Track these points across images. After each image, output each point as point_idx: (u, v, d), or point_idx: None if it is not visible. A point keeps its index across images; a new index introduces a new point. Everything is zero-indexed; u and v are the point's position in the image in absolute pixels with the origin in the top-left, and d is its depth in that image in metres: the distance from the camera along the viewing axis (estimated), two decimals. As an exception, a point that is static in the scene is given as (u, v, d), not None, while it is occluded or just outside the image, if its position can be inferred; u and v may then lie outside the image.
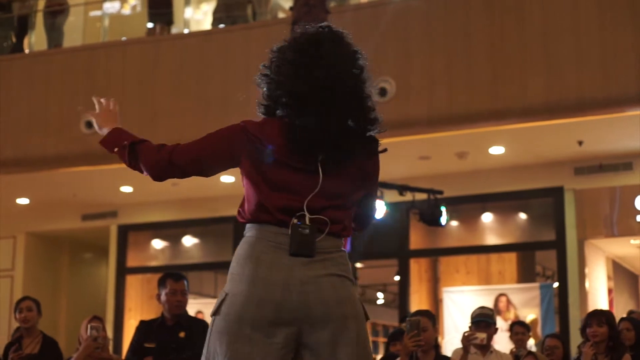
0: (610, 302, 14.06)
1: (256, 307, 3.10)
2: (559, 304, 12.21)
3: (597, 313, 6.71)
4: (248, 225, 3.25)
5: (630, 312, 10.08)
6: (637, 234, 12.61)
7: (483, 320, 7.08)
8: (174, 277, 6.59)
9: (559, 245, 12.19)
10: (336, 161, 3.23)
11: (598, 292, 13.12)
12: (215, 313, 3.19)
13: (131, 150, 3.36)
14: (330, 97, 3.22)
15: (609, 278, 14.29)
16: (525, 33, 10.60)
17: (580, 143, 11.12)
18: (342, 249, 3.26)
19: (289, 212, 3.17)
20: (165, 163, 3.29)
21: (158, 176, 3.34)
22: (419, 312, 6.56)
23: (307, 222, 3.15)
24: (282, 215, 3.17)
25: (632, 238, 13.15)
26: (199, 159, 3.29)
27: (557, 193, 12.19)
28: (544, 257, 14.03)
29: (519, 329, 9.12)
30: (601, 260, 13.76)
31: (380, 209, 9.46)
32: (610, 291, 14.26)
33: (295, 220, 3.15)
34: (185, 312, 6.56)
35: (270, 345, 3.10)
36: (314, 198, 3.19)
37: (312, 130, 3.19)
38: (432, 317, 6.44)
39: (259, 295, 3.11)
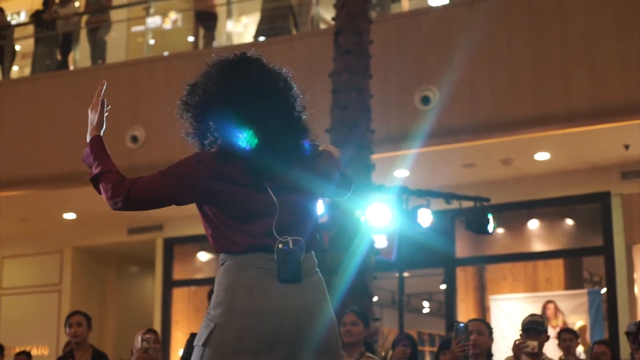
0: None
1: (253, 337, 3.06)
2: (607, 310, 12.12)
3: None
4: (227, 254, 3.20)
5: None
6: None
7: (534, 328, 7.04)
8: None
9: (607, 250, 12.09)
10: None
11: (648, 297, 12.98)
12: (204, 344, 3.11)
13: (95, 182, 3.36)
14: (266, 110, 3.24)
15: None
16: (568, 37, 10.55)
17: (626, 147, 11.02)
18: (316, 267, 3.25)
19: (269, 235, 3.14)
20: (121, 201, 3.24)
21: (117, 210, 3.31)
22: (474, 320, 6.53)
23: (292, 245, 3.13)
24: (265, 239, 3.15)
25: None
26: (157, 201, 3.27)
27: (603, 198, 12.10)
28: (591, 263, 13.89)
29: (566, 336, 9.05)
30: (650, 266, 13.60)
31: (427, 218, 9.45)
32: (659, 297, 14.10)
33: (280, 245, 3.12)
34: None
35: None
36: (283, 216, 3.17)
37: (257, 148, 3.21)
38: (487, 324, 6.43)
39: (255, 325, 3.07)
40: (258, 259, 3.13)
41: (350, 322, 6.40)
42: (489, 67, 10.85)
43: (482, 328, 6.22)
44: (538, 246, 13.16)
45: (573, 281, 13.74)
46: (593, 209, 12.47)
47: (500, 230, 13.09)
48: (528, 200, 12.57)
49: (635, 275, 12.19)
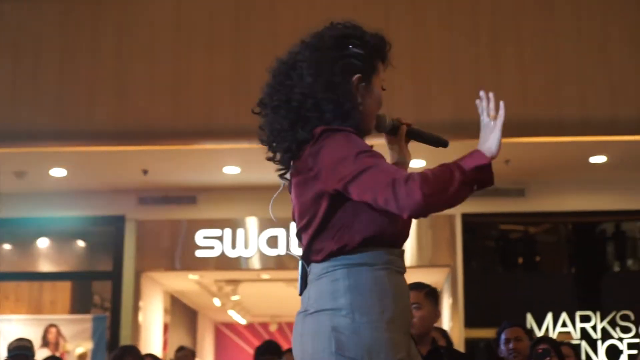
0: (165, 339, 14.04)
1: None
2: (110, 336, 11.94)
3: None
4: None
5: (180, 349, 10.08)
6: (197, 269, 12.65)
7: (22, 354, 6.79)
8: None
9: (115, 276, 11.95)
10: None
11: (153, 325, 13.05)
12: None
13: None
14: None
15: (166, 312, 14.30)
16: (98, 55, 10.26)
17: (145, 172, 10.93)
18: (322, 275, 2.89)
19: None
20: None
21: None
22: None
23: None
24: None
25: (191, 273, 13.19)
26: None
27: (118, 222, 11.93)
28: (104, 288, 13.68)
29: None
30: (159, 294, 13.71)
31: None
32: (166, 326, 14.25)
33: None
34: None
35: None
36: (299, 225, 3.04)
37: None
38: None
39: None
40: None
41: None
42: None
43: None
44: (46, 266, 12.70)
45: (81, 305, 13.50)
46: (107, 233, 12.25)
47: (7, 246, 12.53)
48: (39, 217, 12.05)
49: (141, 303, 12.15)
